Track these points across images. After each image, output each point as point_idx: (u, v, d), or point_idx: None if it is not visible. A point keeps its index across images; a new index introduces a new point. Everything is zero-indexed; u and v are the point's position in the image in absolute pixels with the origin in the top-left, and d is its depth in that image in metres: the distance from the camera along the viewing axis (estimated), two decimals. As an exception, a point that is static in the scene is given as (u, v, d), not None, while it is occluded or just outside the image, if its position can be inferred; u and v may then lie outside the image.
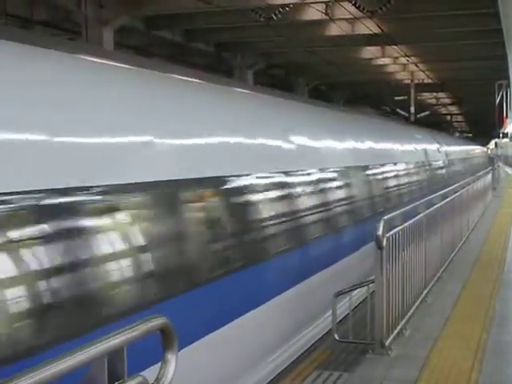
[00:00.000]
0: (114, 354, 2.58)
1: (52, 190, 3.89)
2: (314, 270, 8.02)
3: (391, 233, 6.38)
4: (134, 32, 18.82)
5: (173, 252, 5.14)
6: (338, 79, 30.39)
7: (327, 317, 7.67)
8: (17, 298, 3.52)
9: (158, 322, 2.80)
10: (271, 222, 7.15)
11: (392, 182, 13.55)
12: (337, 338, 6.88)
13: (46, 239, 3.81)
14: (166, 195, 5.17)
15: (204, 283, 5.36)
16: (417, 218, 7.62)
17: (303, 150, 9.02)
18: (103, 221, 4.43)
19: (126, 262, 4.56)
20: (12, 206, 3.64)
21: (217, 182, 6.06)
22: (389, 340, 6.22)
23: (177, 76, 6.82)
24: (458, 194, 11.29)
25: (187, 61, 21.54)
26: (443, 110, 48.51)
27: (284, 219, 7.54)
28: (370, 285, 6.89)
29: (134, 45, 20.09)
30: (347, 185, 10.31)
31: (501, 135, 38.80)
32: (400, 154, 15.62)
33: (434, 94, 38.87)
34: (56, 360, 2.23)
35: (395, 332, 6.44)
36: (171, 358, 2.86)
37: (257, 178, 7.05)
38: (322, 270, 8.29)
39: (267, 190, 7.21)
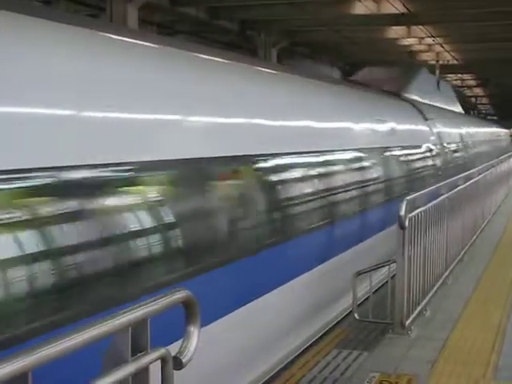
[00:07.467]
0: (137, 325, 2.61)
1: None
2: (346, 247, 8.15)
3: (414, 213, 6.36)
4: (158, 8, 18.73)
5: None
6: (363, 59, 30.08)
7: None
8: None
9: (181, 295, 2.82)
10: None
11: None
12: (357, 317, 6.89)
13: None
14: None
15: (248, 256, 5.52)
16: (439, 199, 7.59)
17: (337, 131, 9.06)
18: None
19: None
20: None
21: (255, 160, 6.17)
22: (409, 320, 6.22)
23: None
24: (475, 179, 10.95)
25: (211, 38, 21.43)
26: (468, 92, 47.93)
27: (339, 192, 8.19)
28: (391, 265, 6.89)
29: (158, 21, 20.02)
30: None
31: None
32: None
33: (459, 75, 38.37)
34: (82, 329, 2.26)
35: (415, 312, 6.44)
36: (194, 331, 2.88)
37: (296, 157, 7.11)
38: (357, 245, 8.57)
39: (305, 168, 7.30)
